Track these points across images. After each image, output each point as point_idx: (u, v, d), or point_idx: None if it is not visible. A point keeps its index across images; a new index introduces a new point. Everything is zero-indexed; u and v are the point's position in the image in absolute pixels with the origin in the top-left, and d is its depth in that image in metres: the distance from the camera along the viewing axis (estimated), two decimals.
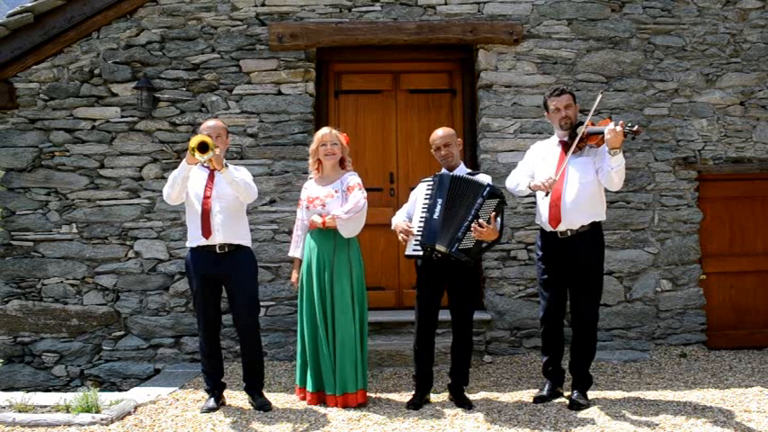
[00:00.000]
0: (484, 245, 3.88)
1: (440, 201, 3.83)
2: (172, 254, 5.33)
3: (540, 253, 4.08)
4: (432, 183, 3.95)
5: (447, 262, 3.88)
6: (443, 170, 4.04)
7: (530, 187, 3.98)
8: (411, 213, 4.06)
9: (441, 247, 3.80)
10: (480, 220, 3.75)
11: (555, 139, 4.10)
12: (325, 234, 3.97)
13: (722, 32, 5.51)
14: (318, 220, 3.96)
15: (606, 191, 4.02)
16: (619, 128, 3.67)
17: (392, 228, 4.08)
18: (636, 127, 3.75)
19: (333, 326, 3.92)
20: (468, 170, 4.12)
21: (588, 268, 3.93)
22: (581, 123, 3.93)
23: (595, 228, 3.97)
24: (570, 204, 3.87)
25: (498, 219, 3.87)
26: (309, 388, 3.99)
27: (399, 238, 3.98)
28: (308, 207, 4.04)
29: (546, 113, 4.15)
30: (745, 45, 5.52)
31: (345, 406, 3.88)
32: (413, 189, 4.22)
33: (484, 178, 3.99)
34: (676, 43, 5.49)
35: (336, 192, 4.01)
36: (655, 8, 5.49)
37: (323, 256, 3.96)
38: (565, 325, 4.17)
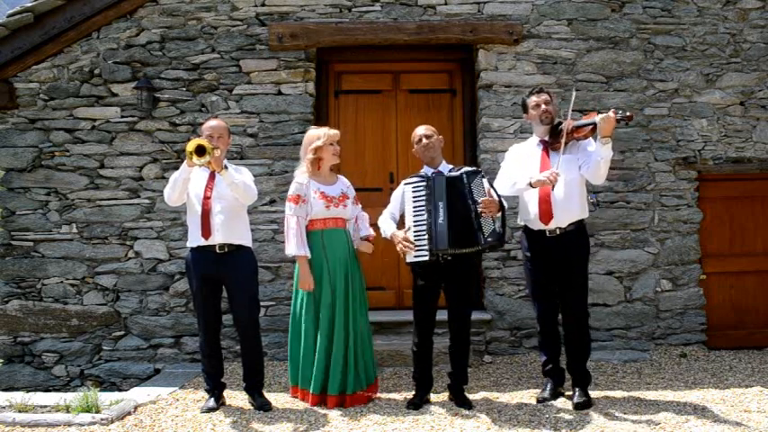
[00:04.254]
0: (498, 223, 3.89)
1: (441, 204, 3.81)
2: (172, 254, 5.33)
3: (528, 254, 4.10)
4: (421, 185, 3.90)
5: (444, 262, 3.86)
6: (428, 170, 4.02)
7: (530, 184, 3.92)
8: (395, 215, 4.06)
9: (468, 250, 3.82)
10: (481, 200, 3.80)
11: (534, 140, 4.13)
12: (341, 234, 4.05)
13: (722, 32, 5.51)
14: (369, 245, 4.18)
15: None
16: (612, 114, 3.73)
17: (386, 236, 4.00)
18: (628, 113, 3.81)
19: (353, 324, 4.00)
20: (451, 165, 4.11)
21: (576, 266, 3.97)
22: (560, 123, 3.98)
23: (580, 226, 4.03)
24: (561, 202, 3.90)
25: (489, 188, 3.92)
26: (312, 389, 3.97)
27: (398, 248, 3.89)
28: (327, 206, 4.00)
29: (525, 115, 4.20)
30: (745, 45, 5.52)
31: (368, 400, 4.00)
32: (393, 191, 4.19)
33: (468, 170, 3.99)
34: (676, 43, 5.49)
35: (348, 195, 4.12)
36: (655, 8, 5.49)
37: (344, 255, 4.02)
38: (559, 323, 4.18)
